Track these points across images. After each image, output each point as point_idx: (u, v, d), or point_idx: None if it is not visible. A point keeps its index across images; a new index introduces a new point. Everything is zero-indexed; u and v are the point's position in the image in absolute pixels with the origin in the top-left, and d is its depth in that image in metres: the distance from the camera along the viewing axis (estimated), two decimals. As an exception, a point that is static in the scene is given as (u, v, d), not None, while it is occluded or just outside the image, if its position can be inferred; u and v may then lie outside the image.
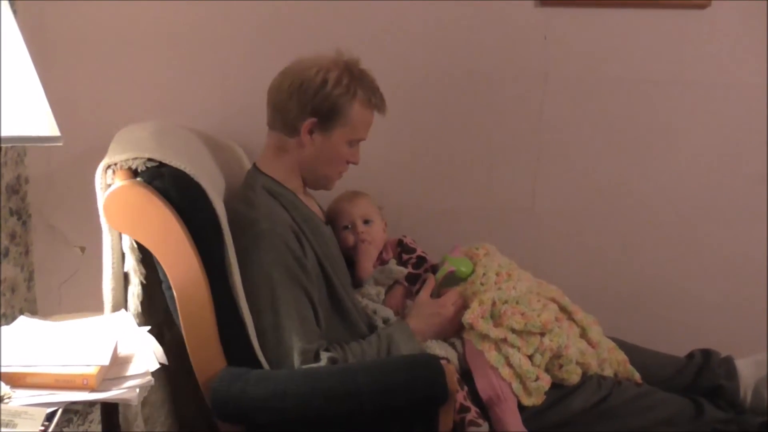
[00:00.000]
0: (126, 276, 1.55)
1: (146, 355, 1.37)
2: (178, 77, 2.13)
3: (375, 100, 1.71)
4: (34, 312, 1.91)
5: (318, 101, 1.65)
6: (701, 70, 2.19)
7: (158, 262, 1.49)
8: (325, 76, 1.65)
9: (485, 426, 1.52)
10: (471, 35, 2.16)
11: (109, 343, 1.33)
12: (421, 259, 1.85)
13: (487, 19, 2.15)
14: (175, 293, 1.48)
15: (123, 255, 1.54)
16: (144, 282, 1.53)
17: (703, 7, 2.14)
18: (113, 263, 1.55)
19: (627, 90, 2.20)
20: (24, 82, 1.35)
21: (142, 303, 1.55)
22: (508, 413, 1.56)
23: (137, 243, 1.51)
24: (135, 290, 1.54)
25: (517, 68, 2.18)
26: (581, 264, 2.27)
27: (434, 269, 1.83)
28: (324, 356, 1.51)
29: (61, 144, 1.43)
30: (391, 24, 2.14)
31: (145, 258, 1.53)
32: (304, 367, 1.49)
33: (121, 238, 1.54)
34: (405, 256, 1.86)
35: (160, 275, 1.51)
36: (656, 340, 1.97)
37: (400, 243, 1.89)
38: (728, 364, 1.78)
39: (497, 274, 1.73)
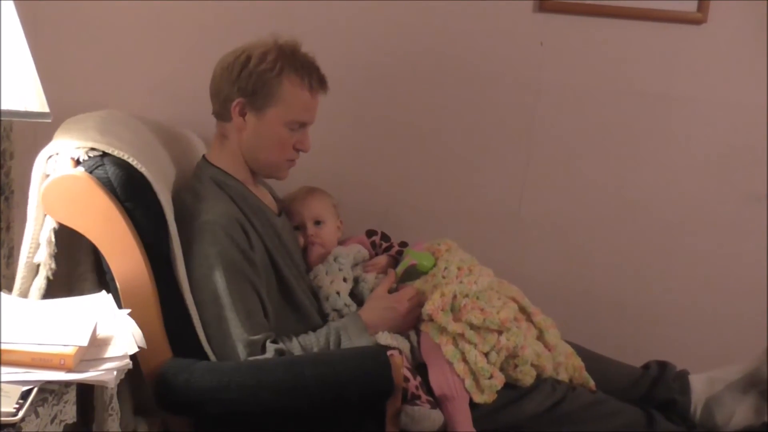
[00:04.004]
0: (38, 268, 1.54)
1: (125, 337, 1.37)
2: (170, 61, 2.12)
3: (310, 80, 1.66)
4: (12, 289, 1.88)
5: (243, 80, 1.63)
6: (694, 85, 2.23)
7: (101, 254, 1.48)
8: (250, 53, 1.64)
9: (436, 413, 1.52)
10: (467, 37, 2.16)
11: (88, 324, 1.33)
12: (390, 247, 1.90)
13: (484, 21, 2.15)
14: (118, 285, 1.48)
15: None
16: (51, 277, 1.51)
17: (699, 22, 2.16)
18: (29, 253, 1.54)
19: (619, 100, 2.22)
20: (15, 57, 1.34)
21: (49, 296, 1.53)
22: (458, 411, 1.56)
23: (55, 238, 1.50)
24: (39, 283, 1.53)
25: (512, 72, 2.19)
26: (564, 269, 2.30)
27: (396, 263, 1.84)
28: (270, 348, 1.52)
29: (49, 120, 1.41)
30: (384, 23, 2.13)
31: (71, 251, 1.52)
32: (251, 358, 1.50)
33: (41, 229, 1.52)
34: (384, 244, 1.89)
35: (104, 266, 1.50)
36: (631, 348, 1.99)
37: (372, 233, 1.91)
38: (682, 378, 1.81)
39: (459, 269, 1.74)
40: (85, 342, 1.27)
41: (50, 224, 1.51)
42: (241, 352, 1.50)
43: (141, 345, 1.39)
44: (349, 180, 1.99)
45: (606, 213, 2.28)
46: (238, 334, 1.51)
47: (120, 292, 1.48)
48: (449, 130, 2.23)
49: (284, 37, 1.67)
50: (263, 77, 1.62)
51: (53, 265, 1.51)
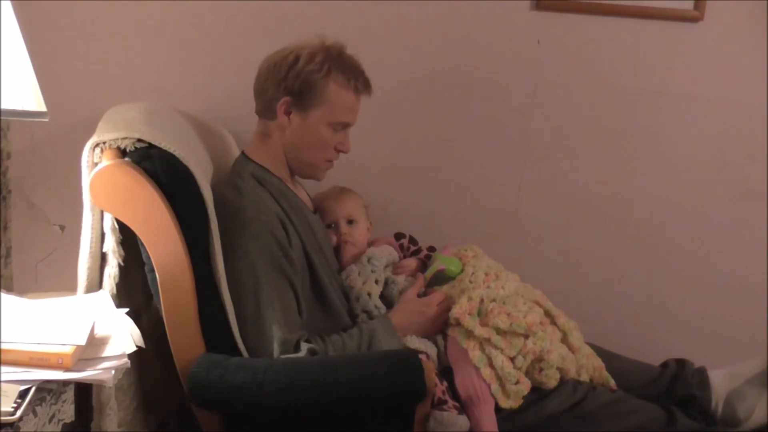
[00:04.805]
0: (103, 257, 1.53)
1: (123, 336, 1.36)
2: (167, 59, 2.11)
3: (356, 82, 1.68)
4: (9, 289, 1.88)
5: (290, 79, 1.64)
6: (691, 82, 2.22)
7: (142, 244, 1.47)
8: (298, 53, 1.65)
9: (463, 419, 1.52)
10: (465, 35, 2.16)
11: (86, 323, 1.32)
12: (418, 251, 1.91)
13: (482, 19, 2.15)
14: (157, 276, 1.47)
15: (102, 235, 1.52)
16: (122, 264, 1.51)
17: (695, 20, 2.17)
18: (92, 243, 1.53)
19: (617, 98, 2.22)
20: (12, 56, 1.33)
21: (118, 285, 1.53)
22: (485, 415, 1.56)
23: (119, 224, 1.49)
24: (112, 271, 1.52)
25: (509, 70, 2.19)
26: (563, 268, 2.29)
27: (424, 267, 1.84)
28: (304, 347, 1.51)
29: (47, 120, 1.41)
30: (383, 21, 2.14)
31: (125, 239, 1.51)
32: (284, 356, 1.49)
33: (102, 218, 1.52)
34: (412, 247, 1.90)
35: (143, 257, 1.49)
36: (634, 346, 1.99)
37: (400, 236, 1.92)
38: (701, 374, 1.80)
39: (486, 274, 1.74)
40: (83, 341, 1.26)
41: (106, 212, 1.50)
42: (276, 349, 1.49)
43: (139, 344, 1.39)
44: (347, 179, 1.98)
45: (603, 210, 2.28)
46: (274, 331, 1.50)
47: (159, 284, 1.47)
48: (446, 129, 2.23)
49: (330, 39, 1.69)
50: (311, 78, 1.63)
51: (122, 252, 1.51)
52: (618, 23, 2.17)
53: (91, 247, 1.53)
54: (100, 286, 1.54)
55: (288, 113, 1.66)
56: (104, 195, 1.46)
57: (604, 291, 2.31)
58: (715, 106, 2.23)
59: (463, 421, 1.52)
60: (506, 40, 2.17)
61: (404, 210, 2.22)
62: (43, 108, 1.40)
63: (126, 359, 1.30)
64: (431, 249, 1.91)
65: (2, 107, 1.31)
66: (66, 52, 2.05)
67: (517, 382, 1.58)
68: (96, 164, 1.48)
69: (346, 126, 1.71)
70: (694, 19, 2.17)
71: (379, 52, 2.13)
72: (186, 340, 1.48)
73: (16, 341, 1.25)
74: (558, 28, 2.17)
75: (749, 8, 2.17)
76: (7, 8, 1.34)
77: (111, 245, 1.51)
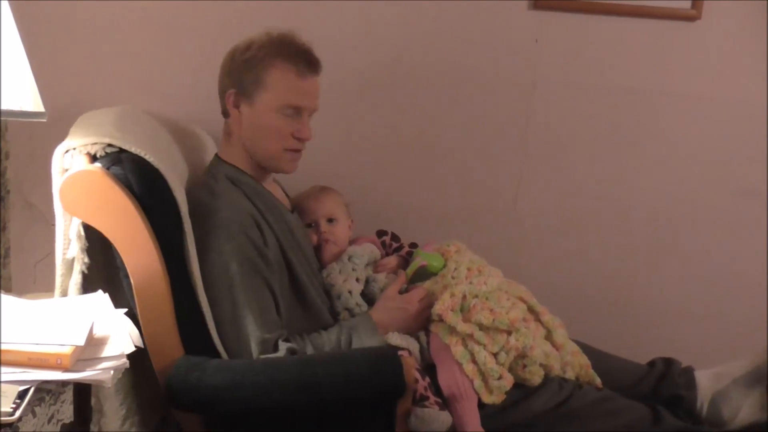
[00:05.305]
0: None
1: (122, 337, 1.37)
2: (167, 60, 2.11)
3: (296, 63, 1.64)
4: (8, 289, 1.88)
5: (233, 72, 1.66)
6: (689, 81, 2.23)
7: (116, 250, 1.47)
8: (237, 46, 1.67)
9: (445, 415, 1.52)
10: (462, 34, 2.17)
11: (85, 324, 1.32)
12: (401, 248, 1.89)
13: (479, 19, 2.15)
14: (132, 281, 1.47)
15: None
16: (86, 271, 1.51)
17: (693, 19, 2.17)
18: (63, 250, 1.53)
19: (614, 97, 2.23)
20: (10, 56, 1.34)
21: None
22: (467, 412, 1.56)
23: (85, 232, 1.49)
24: (76, 278, 1.51)
25: (507, 70, 2.19)
26: (561, 268, 2.29)
27: (406, 264, 1.83)
28: (283, 346, 1.51)
29: (45, 120, 1.41)
30: (382, 21, 2.13)
31: (106, 243, 1.51)
32: (263, 357, 1.49)
33: (70, 225, 1.52)
34: (394, 244, 1.89)
35: (118, 263, 1.49)
36: (633, 345, 1.99)
37: (382, 233, 1.90)
38: (688, 374, 1.80)
39: (468, 269, 1.73)
40: (81, 341, 1.27)
41: (78, 218, 1.50)
42: (254, 350, 1.49)
43: (138, 344, 1.39)
44: (344, 178, 1.99)
45: (601, 210, 2.28)
46: (251, 331, 1.50)
47: (134, 289, 1.47)
48: (445, 128, 2.23)
49: (279, 30, 1.68)
50: (248, 64, 1.64)
51: (86, 260, 1.50)
52: (615, 22, 2.17)
53: (63, 255, 1.53)
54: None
55: (237, 106, 1.67)
56: (75, 201, 1.46)
57: (604, 290, 2.31)
58: (713, 105, 2.24)
59: (445, 417, 1.51)
60: (504, 40, 2.17)
61: (402, 210, 2.23)
62: (41, 108, 1.40)
63: (125, 359, 1.31)
64: (413, 245, 1.89)
65: (1, 108, 1.31)
66: (64, 52, 2.05)
67: (500, 378, 1.58)
68: (66, 170, 1.47)
69: (297, 110, 1.67)
70: (691, 18, 2.18)
71: (377, 52, 2.13)
72: (164, 344, 1.47)
73: (15, 341, 1.25)
74: (556, 27, 2.17)
75: (747, 7, 2.18)
76: (6, 8, 1.34)
77: (75, 252, 1.50)
